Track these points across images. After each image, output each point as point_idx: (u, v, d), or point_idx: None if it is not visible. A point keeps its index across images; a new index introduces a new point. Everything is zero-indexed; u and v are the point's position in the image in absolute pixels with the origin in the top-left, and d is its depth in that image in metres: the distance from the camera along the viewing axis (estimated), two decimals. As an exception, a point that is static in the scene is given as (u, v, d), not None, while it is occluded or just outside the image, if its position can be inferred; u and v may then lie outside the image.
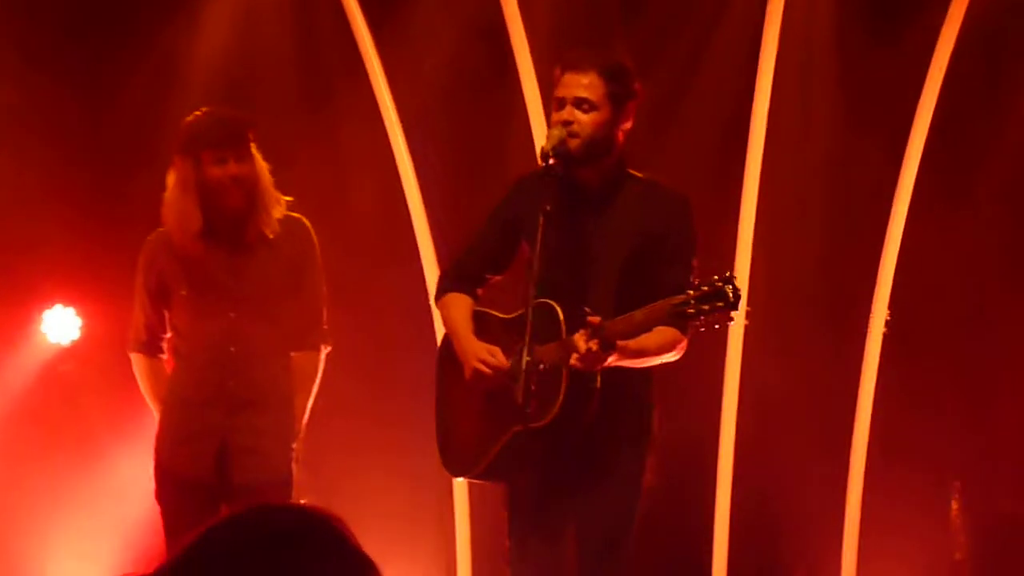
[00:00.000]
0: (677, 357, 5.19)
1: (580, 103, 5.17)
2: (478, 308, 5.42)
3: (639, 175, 5.32)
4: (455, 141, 8.00)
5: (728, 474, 7.69)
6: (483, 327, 5.31)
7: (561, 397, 5.05)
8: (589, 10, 7.99)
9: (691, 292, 4.86)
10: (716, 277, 4.88)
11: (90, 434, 7.81)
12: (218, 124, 5.76)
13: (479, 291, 5.46)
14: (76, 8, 8.10)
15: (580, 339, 4.96)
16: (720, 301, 4.84)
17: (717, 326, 4.93)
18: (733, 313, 4.88)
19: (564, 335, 5.06)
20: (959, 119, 7.65)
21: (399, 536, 5.87)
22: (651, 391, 5.30)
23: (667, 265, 5.21)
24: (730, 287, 4.83)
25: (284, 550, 2.21)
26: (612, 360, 5.01)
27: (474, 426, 5.31)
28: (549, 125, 5.28)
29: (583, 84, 5.18)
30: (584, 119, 5.17)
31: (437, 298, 5.50)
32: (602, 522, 5.23)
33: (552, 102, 5.26)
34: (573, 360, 4.97)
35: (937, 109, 7.53)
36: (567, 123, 5.16)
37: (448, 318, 5.41)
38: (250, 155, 5.77)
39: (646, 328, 5.02)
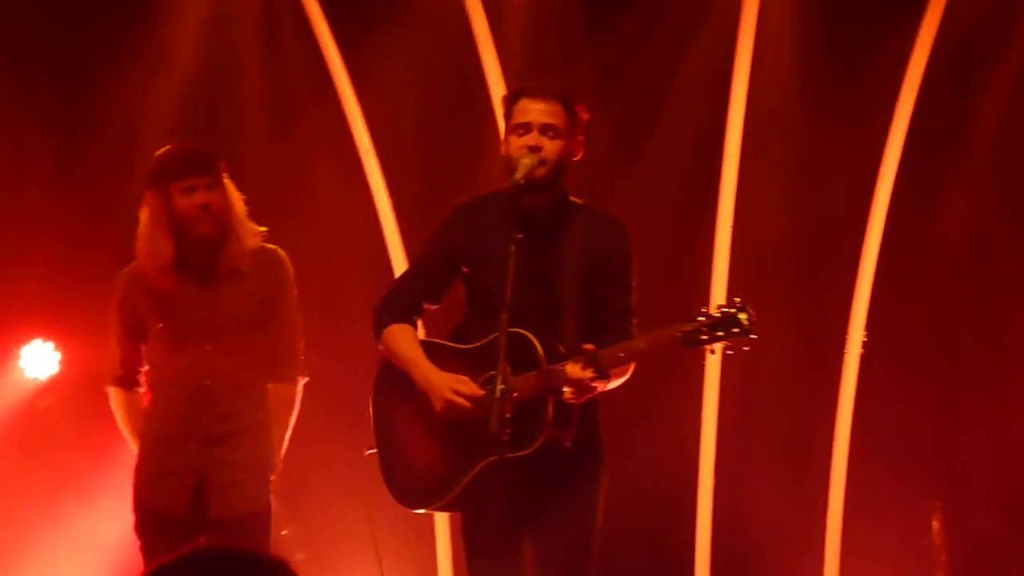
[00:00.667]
0: (627, 379, 5.21)
1: (546, 130, 5.16)
2: (424, 339, 5.40)
3: (579, 201, 5.32)
4: (427, 162, 8.00)
5: (708, 494, 7.69)
6: (433, 358, 5.25)
7: (547, 426, 5.03)
8: (557, 27, 8.00)
9: (702, 319, 4.85)
10: (728, 304, 4.87)
11: (69, 468, 7.79)
12: (185, 155, 5.76)
13: (417, 320, 5.44)
14: (48, 44, 8.10)
15: (574, 368, 4.96)
16: (735, 327, 4.83)
17: (730, 352, 4.92)
18: (750, 339, 4.86)
19: (544, 364, 5.05)
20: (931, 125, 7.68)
21: (377, 563, 5.85)
22: (600, 412, 5.30)
23: (614, 290, 5.23)
24: (744, 314, 4.82)
25: None
26: (600, 388, 5.02)
27: (433, 457, 5.26)
28: (508, 152, 5.22)
29: (548, 111, 5.17)
30: (550, 146, 5.16)
31: (379, 329, 5.36)
32: (565, 545, 5.21)
33: (510, 127, 5.21)
34: (567, 390, 4.96)
35: (912, 118, 7.57)
36: (535, 149, 5.14)
37: (399, 350, 5.30)
38: (220, 184, 5.76)
39: (644, 356, 5.02)
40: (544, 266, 5.21)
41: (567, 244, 5.24)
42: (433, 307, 5.44)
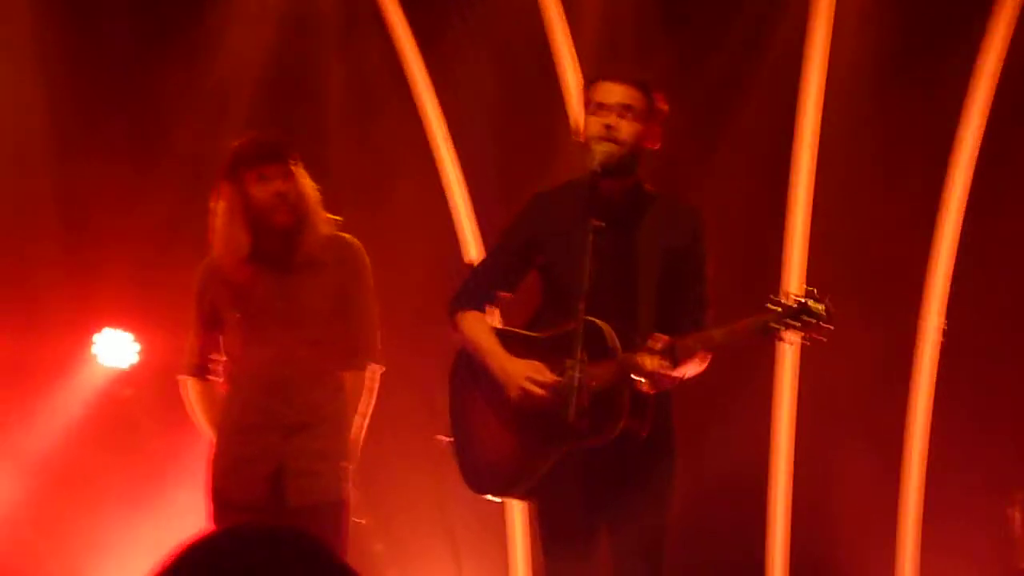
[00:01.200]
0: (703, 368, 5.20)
1: (624, 111, 5.15)
2: (498, 327, 5.40)
3: (653, 191, 5.31)
4: (502, 156, 8.01)
5: (785, 483, 7.66)
6: (507, 347, 5.26)
7: (624, 415, 5.02)
8: (634, 22, 7.99)
9: (779, 310, 4.83)
10: (803, 293, 4.85)
11: (148, 458, 7.86)
12: (259, 146, 5.79)
13: (494, 310, 5.44)
14: (128, 25, 8.16)
15: (651, 358, 4.96)
16: (812, 317, 4.81)
17: (808, 342, 4.90)
18: (827, 327, 4.84)
19: (619, 353, 5.05)
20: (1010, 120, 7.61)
21: (453, 554, 5.86)
22: (673, 403, 5.29)
23: (690, 280, 5.23)
24: (822, 305, 4.80)
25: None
26: (676, 379, 5.01)
27: (509, 446, 5.27)
28: (585, 137, 5.22)
29: (626, 94, 5.16)
30: (628, 127, 5.15)
31: (453, 315, 5.40)
32: (638, 536, 5.22)
33: (589, 109, 5.20)
34: (644, 381, 4.96)
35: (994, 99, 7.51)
36: (610, 128, 5.14)
37: (474, 338, 5.33)
38: (293, 173, 5.79)
39: (722, 346, 5.01)
40: (620, 256, 5.21)
41: (644, 233, 5.23)
42: (507, 296, 5.44)
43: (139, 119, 8.14)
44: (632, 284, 5.20)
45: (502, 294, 5.43)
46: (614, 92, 5.17)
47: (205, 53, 8.11)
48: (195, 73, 8.11)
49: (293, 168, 5.79)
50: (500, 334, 5.34)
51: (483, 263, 5.65)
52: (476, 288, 5.45)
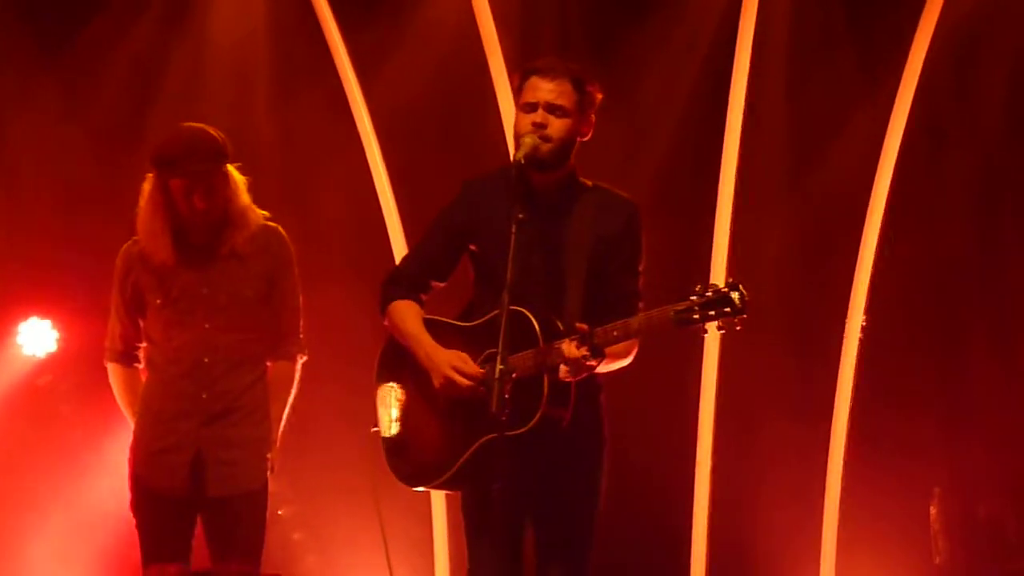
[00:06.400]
0: (629, 362, 5.21)
1: (553, 109, 5.16)
2: (427, 316, 5.40)
3: (588, 183, 5.32)
4: (427, 142, 8.00)
5: (706, 480, 7.69)
6: (436, 335, 5.26)
7: (543, 404, 5.03)
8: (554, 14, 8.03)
9: (694, 299, 4.85)
10: (720, 283, 4.87)
11: (67, 444, 7.79)
12: (189, 155, 5.65)
13: (423, 298, 5.44)
14: (55, 20, 8.08)
15: (569, 346, 4.96)
16: (727, 307, 4.83)
17: (723, 331, 4.92)
18: (741, 318, 4.87)
19: (541, 342, 5.05)
20: (932, 120, 7.68)
21: (377, 542, 5.85)
22: (603, 395, 5.30)
23: (622, 272, 5.23)
24: (736, 293, 4.82)
25: None
26: (596, 367, 5.01)
27: (433, 434, 5.27)
28: (516, 131, 5.24)
29: (556, 90, 5.17)
30: (557, 124, 5.16)
31: (384, 304, 5.38)
32: (566, 527, 5.23)
33: (519, 106, 5.21)
34: (562, 368, 4.97)
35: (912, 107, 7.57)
36: (540, 126, 5.15)
37: (403, 326, 5.32)
38: (219, 185, 5.69)
39: (639, 335, 5.02)
40: (550, 245, 5.21)
41: (575, 223, 5.24)
42: (440, 284, 5.44)
43: (58, 102, 8.04)
44: (560, 273, 5.21)
45: (434, 283, 5.42)
46: (543, 90, 5.18)
47: (127, 24, 8.03)
48: (118, 46, 8.03)
49: (219, 176, 5.70)
50: (429, 323, 5.33)
51: (412, 250, 5.63)
52: (407, 275, 5.44)
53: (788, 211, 7.90)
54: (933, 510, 7.39)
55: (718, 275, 7.52)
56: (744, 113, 7.72)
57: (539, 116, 5.14)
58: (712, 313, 4.85)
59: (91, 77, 8.06)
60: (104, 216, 7.16)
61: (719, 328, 4.90)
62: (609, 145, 7.55)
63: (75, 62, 8.03)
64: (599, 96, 5.26)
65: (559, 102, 5.16)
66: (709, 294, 4.85)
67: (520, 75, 5.31)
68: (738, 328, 4.86)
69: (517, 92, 5.27)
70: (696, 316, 4.86)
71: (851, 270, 7.66)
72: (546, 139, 5.15)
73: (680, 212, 7.84)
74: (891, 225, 7.66)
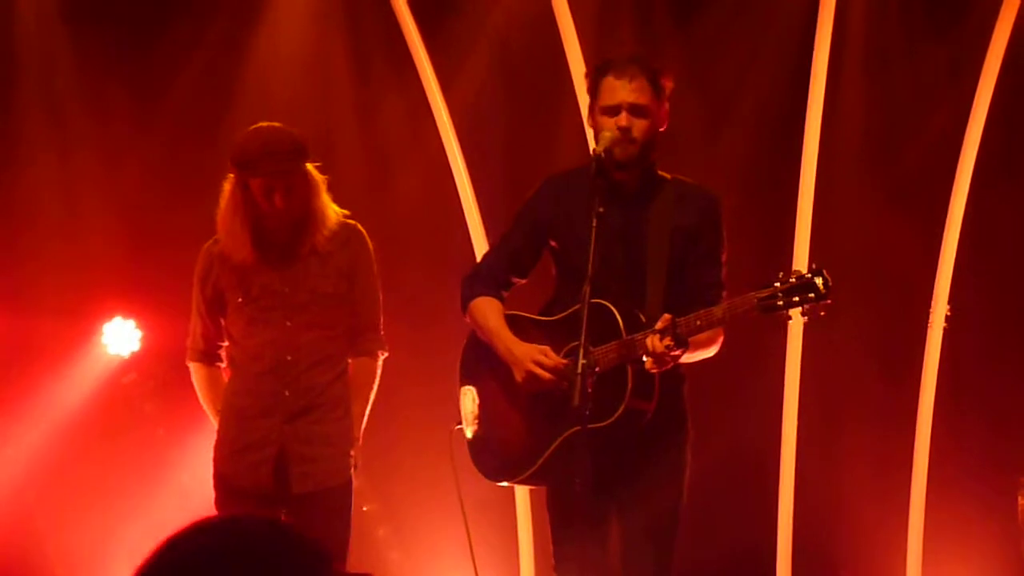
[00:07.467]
0: (714, 352, 5.19)
1: (635, 109, 5.15)
2: (508, 312, 5.38)
3: (667, 175, 5.31)
4: (507, 142, 7.99)
5: (791, 472, 7.64)
6: (518, 330, 5.27)
7: (627, 397, 5.02)
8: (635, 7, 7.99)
9: (777, 285, 4.84)
10: (804, 269, 4.86)
11: (151, 444, 7.85)
12: (268, 155, 5.64)
13: (504, 294, 5.43)
14: (128, 24, 8.13)
15: (653, 338, 4.93)
16: (811, 292, 4.81)
17: (805, 317, 4.89)
18: (825, 304, 4.84)
19: (624, 334, 5.03)
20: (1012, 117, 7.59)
21: (461, 539, 5.83)
22: (685, 386, 5.28)
23: (704, 264, 5.24)
24: (820, 278, 4.80)
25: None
26: (680, 357, 4.99)
27: (517, 429, 5.27)
28: (594, 127, 5.23)
29: (635, 90, 5.16)
30: (640, 125, 5.17)
31: (466, 302, 5.41)
32: (648, 521, 5.22)
33: (599, 108, 5.20)
34: (646, 360, 4.95)
35: (996, 92, 7.48)
36: (626, 131, 5.13)
37: (484, 323, 5.33)
38: (298, 185, 5.69)
39: (723, 323, 5.00)
40: (630, 238, 5.21)
41: (655, 215, 5.24)
42: (520, 280, 5.45)
43: (137, 103, 8.09)
44: (641, 265, 5.21)
45: (515, 279, 5.42)
46: (623, 91, 5.17)
47: (202, 34, 8.08)
48: (196, 52, 8.08)
49: (299, 174, 5.71)
50: (510, 318, 5.34)
51: (493, 247, 5.65)
52: (488, 271, 5.45)
53: (868, 207, 7.83)
54: (1021, 500, 7.29)
55: (801, 264, 7.45)
56: (824, 103, 7.65)
57: (624, 120, 5.14)
58: (796, 299, 4.83)
59: (168, 78, 8.10)
60: (185, 217, 7.19)
61: (803, 314, 4.88)
62: (690, 129, 7.57)
63: (152, 64, 8.07)
64: (670, 84, 5.25)
65: (640, 101, 5.17)
66: (792, 280, 4.84)
67: (593, 74, 5.29)
68: (822, 314, 4.85)
69: (592, 92, 5.26)
70: (780, 302, 4.84)
71: (936, 258, 7.58)
72: (632, 141, 5.15)
73: (761, 205, 7.79)
74: (978, 210, 7.58)
